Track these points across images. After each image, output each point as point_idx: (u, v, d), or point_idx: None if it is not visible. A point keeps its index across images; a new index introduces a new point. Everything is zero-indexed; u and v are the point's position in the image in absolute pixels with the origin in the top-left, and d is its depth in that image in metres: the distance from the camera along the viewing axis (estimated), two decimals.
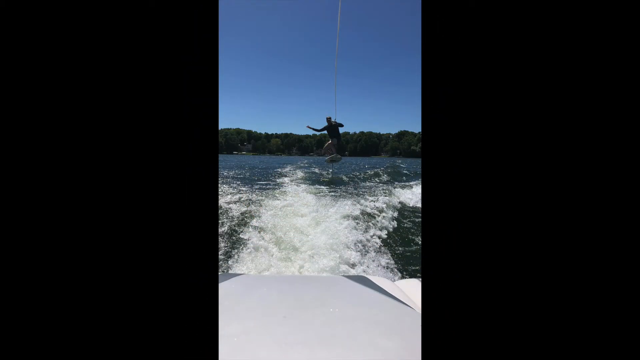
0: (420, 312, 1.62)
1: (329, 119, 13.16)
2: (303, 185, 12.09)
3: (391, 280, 2.34)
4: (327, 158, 14.26)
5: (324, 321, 1.39)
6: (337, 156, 14.03)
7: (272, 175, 16.32)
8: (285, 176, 15.98)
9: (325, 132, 13.43)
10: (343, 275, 2.21)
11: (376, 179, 16.39)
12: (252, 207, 7.31)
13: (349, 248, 5.22)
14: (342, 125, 13.22)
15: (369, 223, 6.62)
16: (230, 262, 4.84)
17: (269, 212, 6.89)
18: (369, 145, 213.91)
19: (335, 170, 18.00)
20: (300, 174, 17.36)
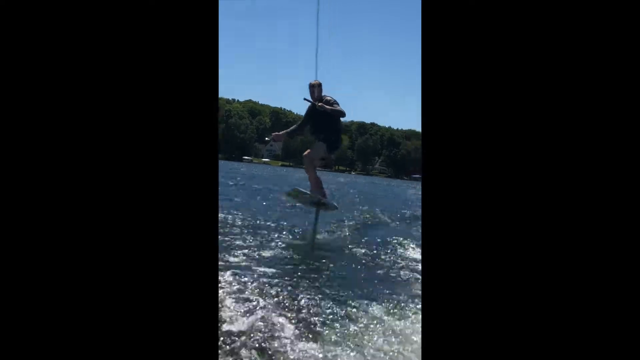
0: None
1: (314, 88, 5.68)
2: None
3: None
4: (287, 193, 6.50)
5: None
6: (318, 197, 5.87)
7: None
8: None
9: (306, 125, 5.99)
10: None
11: None
12: None
13: None
14: (340, 114, 5.63)
15: None
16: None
17: None
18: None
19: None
20: None
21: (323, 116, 5.56)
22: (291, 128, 6.16)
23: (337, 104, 5.57)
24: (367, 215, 9.61)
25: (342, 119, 5.87)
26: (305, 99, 5.69)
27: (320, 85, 5.68)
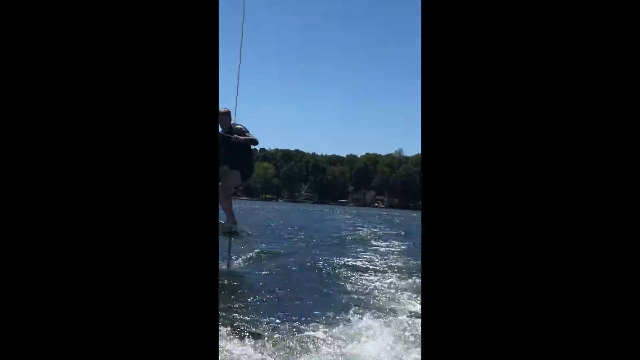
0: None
1: (224, 117, 5.58)
2: None
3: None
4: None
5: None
6: (231, 226, 5.90)
7: None
8: None
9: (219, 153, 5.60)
10: None
11: None
12: None
13: None
14: (254, 142, 5.74)
15: None
16: None
17: None
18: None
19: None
20: None
21: (236, 145, 5.46)
22: None
23: (248, 131, 5.58)
24: (293, 240, 9.99)
25: (255, 147, 5.93)
26: (220, 133, 5.41)
27: (229, 113, 5.60)
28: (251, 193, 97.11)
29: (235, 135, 5.42)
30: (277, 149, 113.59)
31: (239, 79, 5.93)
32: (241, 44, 5.96)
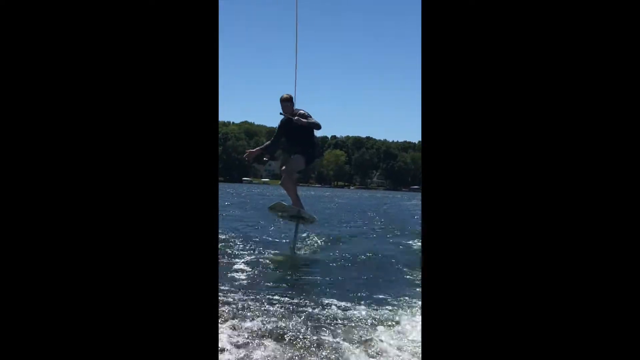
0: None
1: (286, 103, 5.53)
2: None
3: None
4: (270, 207, 6.04)
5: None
6: (298, 209, 5.79)
7: None
8: None
9: (280, 139, 5.90)
10: None
11: None
12: None
13: None
14: (316, 126, 5.59)
15: None
16: None
17: None
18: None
19: None
20: None
21: (297, 129, 5.41)
22: (265, 144, 6.09)
23: (311, 116, 5.46)
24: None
25: (316, 133, 5.79)
26: (281, 113, 5.49)
27: (291, 98, 5.52)
28: (323, 180, 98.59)
29: (297, 118, 5.31)
30: (347, 136, 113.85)
31: (296, 67, 5.85)
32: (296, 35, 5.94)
